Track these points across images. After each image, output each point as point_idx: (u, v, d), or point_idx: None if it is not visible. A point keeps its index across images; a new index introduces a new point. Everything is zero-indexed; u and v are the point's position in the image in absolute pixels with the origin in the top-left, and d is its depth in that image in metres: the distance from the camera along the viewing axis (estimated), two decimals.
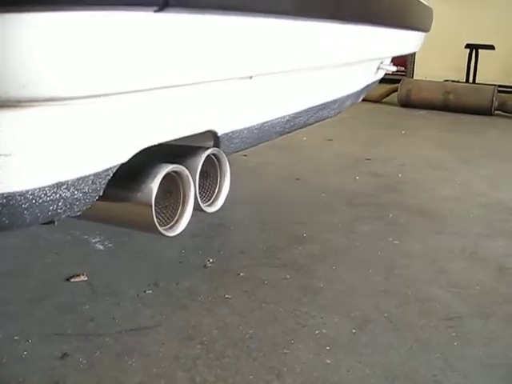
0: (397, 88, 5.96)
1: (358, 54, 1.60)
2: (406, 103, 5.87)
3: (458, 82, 6.62)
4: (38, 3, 0.59)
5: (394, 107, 5.87)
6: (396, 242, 2.14)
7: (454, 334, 1.51)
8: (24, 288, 1.69)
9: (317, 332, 1.50)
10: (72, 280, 1.74)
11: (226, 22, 0.79)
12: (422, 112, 5.62)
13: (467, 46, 6.96)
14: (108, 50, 0.66)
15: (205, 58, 0.79)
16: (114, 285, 1.72)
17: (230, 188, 1.19)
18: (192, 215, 1.07)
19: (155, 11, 0.66)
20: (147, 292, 1.68)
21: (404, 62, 7.45)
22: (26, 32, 0.60)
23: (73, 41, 0.63)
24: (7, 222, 0.81)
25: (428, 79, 6.49)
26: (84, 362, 1.35)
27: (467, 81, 6.82)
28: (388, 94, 6.08)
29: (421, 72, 7.41)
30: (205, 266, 1.86)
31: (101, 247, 1.99)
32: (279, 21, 0.95)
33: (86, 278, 1.75)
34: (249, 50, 0.91)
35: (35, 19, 0.60)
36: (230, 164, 1.17)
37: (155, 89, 0.78)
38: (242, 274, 1.81)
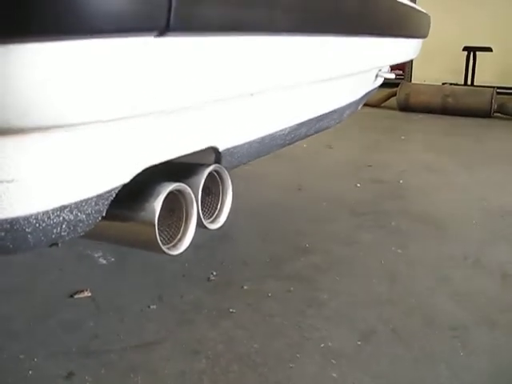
0: (395, 92, 5.96)
1: (356, 65, 1.60)
2: (405, 107, 5.88)
3: (456, 84, 6.63)
4: (36, 34, 0.59)
5: (393, 111, 5.87)
6: (399, 250, 2.14)
7: (458, 344, 1.51)
8: (28, 305, 1.69)
9: (322, 345, 1.50)
10: (76, 296, 1.74)
11: (227, 43, 0.79)
12: (421, 116, 5.63)
13: (465, 48, 6.98)
14: (108, 76, 0.66)
15: (206, 80, 0.80)
16: (117, 300, 1.72)
17: (232, 196, 1.19)
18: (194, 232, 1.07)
19: (155, 36, 0.66)
20: (151, 307, 1.68)
21: (402, 65, 7.47)
22: (26, 62, 0.61)
23: (72, 69, 0.63)
24: (11, 246, 0.81)
25: (426, 82, 6.51)
26: (90, 380, 1.35)
27: (465, 83, 6.84)
28: (387, 99, 6.09)
29: (419, 75, 7.42)
30: (208, 279, 1.85)
31: (104, 262, 1.99)
32: (278, 38, 0.95)
33: (90, 294, 1.75)
34: (250, 69, 0.91)
35: (34, 49, 0.60)
36: (231, 179, 1.17)
37: (157, 112, 0.78)
38: (245, 287, 1.80)
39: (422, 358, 1.45)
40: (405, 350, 1.48)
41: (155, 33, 0.66)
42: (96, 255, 2.03)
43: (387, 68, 2.41)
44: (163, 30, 0.66)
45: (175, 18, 0.65)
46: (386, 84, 2.96)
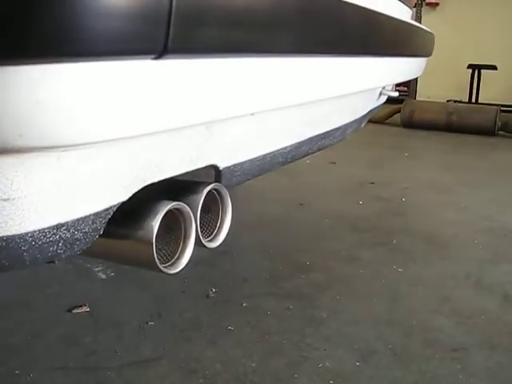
0: (399, 109, 5.96)
1: (359, 84, 1.60)
2: (409, 124, 5.87)
3: (460, 102, 6.64)
4: (33, 56, 0.59)
5: (397, 128, 5.87)
6: (400, 269, 2.13)
7: (458, 366, 1.49)
8: (25, 320, 1.68)
9: (320, 365, 1.48)
10: (74, 311, 1.73)
11: (226, 64, 0.79)
12: (425, 133, 5.62)
13: (469, 66, 7.00)
14: (105, 98, 0.66)
15: (206, 100, 0.79)
16: (116, 316, 1.71)
17: (232, 214, 1.18)
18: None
19: (153, 59, 0.66)
20: (149, 323, 1.67)
21: (407, 82, 7.47)
22: (21, 84, 0.60)
23: (68, 91, 0.63)
24: (6, 264, 0.81)
25: (430, 99, 6.52)
26: None
27: (470, 101, 6.84)
28: (391, 115, 6.09)
29: (423, 92, 7.43)
30: (207, 296, 1.85)
31: (103, 276, 1.98)
32: (279, 59, 0.95)
33: (89, 309, 1.74)
34: (249, 89, 0.91)
35: (30, 72, 0.59)
36: (231, 196, 1.17)
37: (156, 132, 0.77)
38: (244, 304, 1.79)
39: (422, 381, 1.43)
40: (404, 372, 1.47)
41: (153, 55, 0.66)
42: (96, 269, 2.02)
43: (391, 86, 2.41)
44: (161, 52, 0.65)
45: (173, 40, 0.65)
46: (390, 100, 2.95)
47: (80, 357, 1.50)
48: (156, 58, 0.65)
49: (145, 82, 0.68)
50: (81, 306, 1.75)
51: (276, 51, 0.90)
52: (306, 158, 3.36)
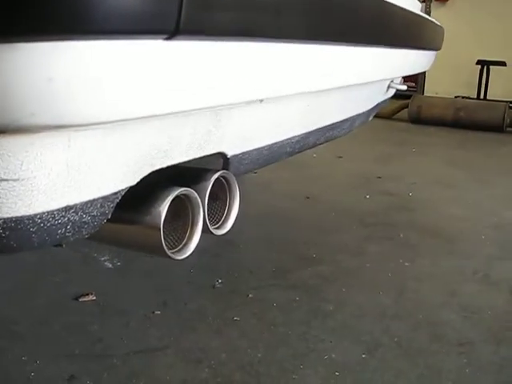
0: (407, 104, 5.94)
1: (369, 75, 1.59)
2: (417, 120, 5.85)
3: (468, 98, 6.60)
4: (45, 33, 0.59)
5: (405, 123, 5.85)
6: (407, 263, 2.12)
7: (465, 361, 1.49)
8: (32, 307, 1.68)
9: (326, 357, 1.48)
10: (80, 299, 1.73)
11: (238, 48, 0.78)
12: (433, 129, 5.60)
13: (478, 62, 6.96)
14: (116, 78, 0.65)
15: (216, 84, 0.79)
16: (122, 304, 1.71)
17: (239, 202, 1.18)
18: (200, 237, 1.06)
19: (164, 39, 0.65)
20: (156, 312, 1.67)
21: (414, 77, 7.44)
22: (33, 61, 0.60)
23: (80, 70, 0.62)
24: (15, 245, 0.80)
25: (439, 95, 6.48)
26: None
27: (478, 97, 6.81)
28: (398, 111, 6.07)
29: (431, 88, 7.39)
30: (213, 287, 1.84)
31: (109, 265, 1.98)
32: (291, 45, 0.94)
33: (95, 298, 1.74)
34: (259, 75, 0.90)
35: (42, 49, 0.59)
36: (239, 185, 1.16)
37: (165, 115, 0.77)
38: (250, 295, 1.79)
39: (428, 374, 1.43)
40: (410, 365, 1.46)
41: (165, 36, 0.66)
42: (102, 259, 2.02)
43: (400, 79, 2.40)
44: (173, 32, 0.65)
45: (185, 21, 0.64)
46: (398, 96, 2.94)
47: (86, 344, 1.50)
48: (167, 39, 0.65)
49: (156, 63, 0.67)
50: (87, 295, 1.75)
51: (288, 37, 0.89)
52: (312, 152, 3.36)
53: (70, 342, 1.51)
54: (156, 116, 0.76)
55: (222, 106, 0.91)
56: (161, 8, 0.62)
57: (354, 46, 1.26)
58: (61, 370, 1.40)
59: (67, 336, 1.54)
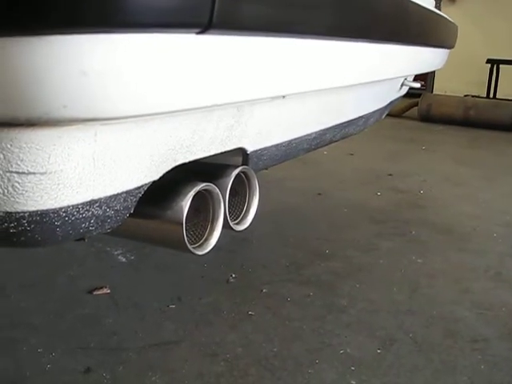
0: (417, 102, 5.93)
1: (384, 72, 1.59)
2: (427, 118, 5.84)
3: (478, 96, 6.58)
4: (80, 26, 0.59)
5: (414, 122, 5.84)
6: (419, 260, 2.12)
7: (480, 357, 1.49)
8: (47, 300, 1.69)
9: (341, 351, 1.49)
10: (95, 293, 1.74)
11: (267, 43, 0.78)
12: (442, 127, 5.59)
13: (488, 60, 6.93)
14: (147, 72, 0.66)
15: (245, 80, 0.79)
16: (136, 298, 1.72)
17: (259, 198, 1.18)
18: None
19: (197, 33, 0.66)
20: (170, 306, 1.68)
21: (424, 76, 7.42)
22: (62, 54, 0.60)
23: (111, 63, 0.63)
24: (39, 238, 0.81)
25: (448, 94, 6.47)
26: (107, 377, 1.35)
27: (488, 96, 6.78)
28: (408, 109, 6.06)
29: (440, 86, 7.38)
30: (227, 281, 1.85)
31: (123, 259, 1.99)
32: (315, 41, 0.94)
33: (109, 291, 1.75)
34: (286, 70, 0.91)
35: (77, 42, 0.60)
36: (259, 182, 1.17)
37: (192, 110, 0.78)
38: (264, 290, 1.80)
39: (443, 370, 1.43)
40: (425, 360, 1.47)
41: (197, 30, 0.66)
42: (116, 253, 2.03)
43: (412, 77, 2.40)
44: (206, 27, 0.65)
45: (218, 15, 0.65)
46: (408, 94, 2.94)
47: (101, 337, 1.51)
48: (200, 33, 0.65)
49: (189, 57, 0.68)
50: (101, 288, 1.76)
51: (313, 33, 0.90)
52: (323, 149, 3.36)
53: (85, 334, 1.52)
54: (184, 110, 0.77)
55: (249, 101, 0.91)
56: (195, 2, 0.62)
57: (373, 42, 1.27)
58: (76, 362, 1.40)
59: (82, 329, 1.55)
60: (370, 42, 1.26)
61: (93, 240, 2.09)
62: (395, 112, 5.77)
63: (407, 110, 6.07)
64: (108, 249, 2.06)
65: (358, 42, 1.17)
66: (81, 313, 1.63)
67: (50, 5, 0.58)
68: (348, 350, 1.49)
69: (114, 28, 0.61)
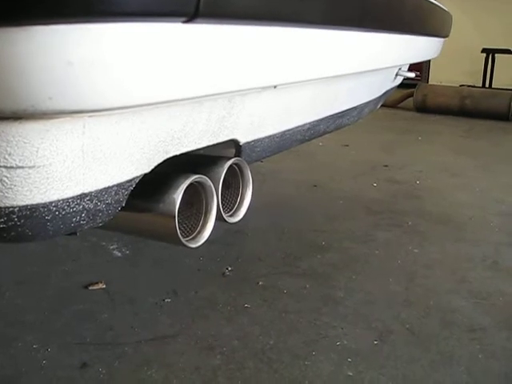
0: (412, 93, 5.92)
1: (378, 61, 1.58)
2: (422, 108, 5.84)
3: (474, 86, 6.57)
4: (64, 16, 0.58)
5: (410, 112, 5.83)
6: (416, 250, 2.11)
7: (477, 347, 1.48)
8: (42, 296, 1.68)
9: (338, 343, 1.48)
10: (90, 288, 1.73)
11: (256, 33, 0.77)
12: (438, 117, 5.58)
13: (483, 50, 6.91)
14: (133, 63, 0.65)
15: (234, 70, 0.78)
16: (132, 293, 1.71)
17: (252, 189, 1.17)
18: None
19: (184, 22, 0.65)
20: (166, 300, 1.67)
21: (419, 66, 7.40)
22: (52, 45, 0.59)
23: (98, 53, 0.62)
24: (30, 233, 0.80)
25: (443, 84, 6.45)
26: (104, 372, 1.34)
27: (483, 85, 6.77)
28: (403, 99, 6.05)
29: (436, 77, 7.36)
30: (223, 274, 1.84)
31: (118, 254, 1.98)
32: (306, 30, 0.93)
33: (104, 286, 1.74)
34: (275, 60, 0.90)
35: (57, 32, 0.59)
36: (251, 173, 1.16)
37: (181, 100, 0.76)
38: (260, 283, 1.79)
39: (440, 360, 1.42)
40: (422, 351, 1.46)
41: (183, 18, 0.65)
42: (111, 247, 2.03)
43: (407, 67, 2.39)
44: (192, 15, 0.64)
45: (205, 4, 0.63)
46: (403, 85, 2.93)
47: (97, 332, 1.50)
48: (186, 22, 0.64)
49: (176, 47, 0.67)
50: (97, 283, 1.75)
51: (303, 21, 0.89)
52: (318, 141, 3.35)
53: (80, 330, 1.51)
54: (173, 102, 0.76)
55: (239, 91, 0.90)
56: None
57: (366, 31, 1.26)
58: (73, 357, 1.40)
59: (78, 324, 1.54)
60: (364, 30, 1.25)
61: (87, 234, 2.08)
62: (390, 103, 5.75)
63: (402, 101, 6.06)
64: (103, 243, 2.05)
65: (351, 30, 1.16)
66: (76, 308, 1.62)
67: None
68: (345, 342, 1.49)
69: (99, 17, 0.60)
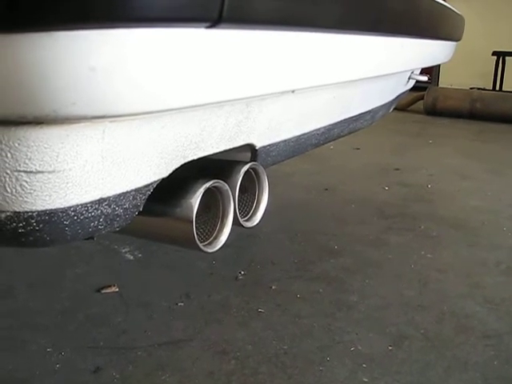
0: (422, 96, 5.91)
1: (393, 65, 1.57)
2: (432, 111, 5.82)
3: (484, 89, 6.55)
4: (88, 21, 0.58)
5: (420, 115, 5.82)
6: (429, 255, 2.10)
7: (492, 353, 1.47)
8: (55, 299, 1.68)
9: (352, 348, 1.47)
10: (103, 291, 1.73)
11: (277, 38, 0.77)
12: (449, 120, 5.57)
13: (494, 53, 6.89)
14: (155, 68, 0.65)
15: (255, 75, 0.78)
16: (145, 296, 1.71)
17: (269, 194, 1.17)
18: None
19: (207, 27, 0.64)
20: (179, 304, 1.67)
21: (429, 69, 7.38)
22: (76, 50, 0.59)
23: (121, 59, 0.62)
24: (48, 238, 0.80)
25: (453, 87, 6.44)
26: (117, 376, 1.34)
27: (494, 88, 6.75)
28: (414, 102, 6.04)
29: (446, 80, 7.35)
30: (236, 278, 1.84)
31: (131, 257, 1.98)
32: (324, 34, 0.93)
33: (117, 289, 1.74)
34: (296, 64, 0.89)
35: (85, 37, 0.58)
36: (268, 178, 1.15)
37: (204, 105, 0.76)
38: (274, 287, 1.79)
39: (455, 366, 1.41)
40: (437, 357, 1.45)
41: (207, 24, 0.65)
42: (123, 250, 2.03)
43: (419, 70, 2.38)
44: (216, 21, 0.64)
45: (228, 9, 0.63)
46: (413, 88, 2.92)
47: (111, 336, 1.50)
48: (210, 27, 0.64)
49: (199, 52, 0.66)
50: (109, 287, 1.75)
51: (322, 26, 0.88)
52: (329, 144, 3.34)
53: (94, 333, 1.51)
54: (194, 107, 0.75)
55: (259, 96, 0.90)
56: None
57: (383, 35, 1.25)
58: (86, 361, 1.40)
59: (91, 328, 1.54)
60: (379, 35, 1.25)
61: (100, 238, 2.08)
62: (401, 106, 5.74)
63: (412, 104, 6.04)
64: (115, 246, 2.05)
65: (367, 35, 1.16)
66: (89, 312, 1.62)
67: (58, 0, 0.56)
68: (359, 347, 1.48)
69: (122, 23, 0.59)
